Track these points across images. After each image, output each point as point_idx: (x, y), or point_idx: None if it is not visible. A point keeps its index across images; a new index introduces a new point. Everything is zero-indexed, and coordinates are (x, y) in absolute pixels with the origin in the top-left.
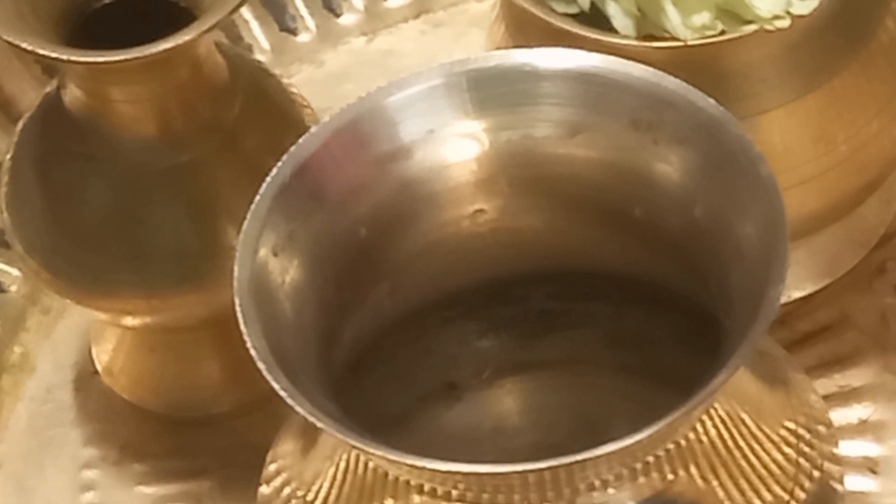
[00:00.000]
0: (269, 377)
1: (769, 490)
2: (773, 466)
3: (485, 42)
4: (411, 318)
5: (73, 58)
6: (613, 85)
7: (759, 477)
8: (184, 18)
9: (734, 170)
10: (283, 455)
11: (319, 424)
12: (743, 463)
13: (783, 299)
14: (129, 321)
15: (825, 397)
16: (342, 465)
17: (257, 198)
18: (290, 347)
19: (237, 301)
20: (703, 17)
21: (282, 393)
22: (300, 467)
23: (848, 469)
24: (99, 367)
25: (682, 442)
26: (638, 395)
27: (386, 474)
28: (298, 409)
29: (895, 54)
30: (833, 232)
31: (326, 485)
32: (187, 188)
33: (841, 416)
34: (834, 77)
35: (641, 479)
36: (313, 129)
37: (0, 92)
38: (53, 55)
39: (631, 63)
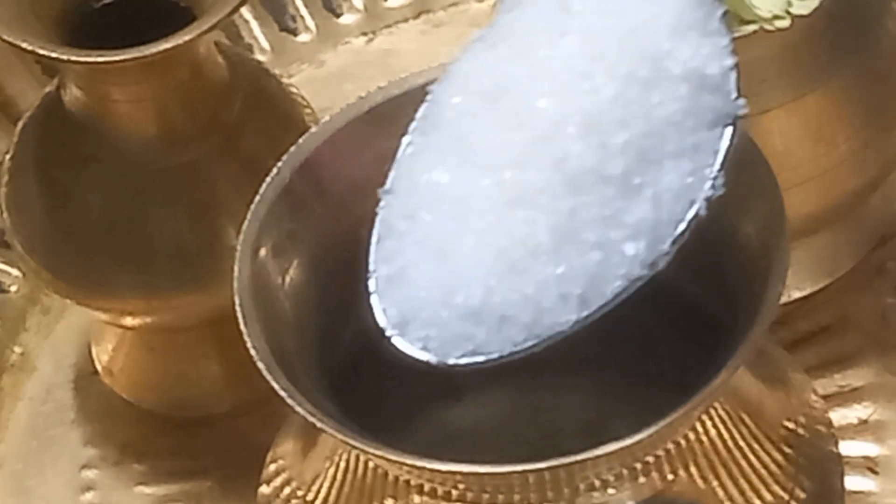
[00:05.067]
0: (269, 377)
1: (769, 490)
2: (773, 466)
3: None
4: None
5: (73, 58)
6: None
7: (759, 477)
8: (184, 18)
9: (734, 170)
10: (283, 455)
11: (319, 424)
12: (743, 463)
13: (783, 299)
14: (129, 321)
15: (825, 397)
16: (342, 465)
17: (257, 198)
18: (290, 347)
19: (237, 301)
20: None
21: (282, 393)
22: (300, 467)
23: (848, 469)
24: (99, 367)
25: (682, 442)
26: (638, 395)
27: (386, 474)
28: (298, 409)
29: (895, 54)
30: (833, 232)
31: (326, 485)
32: (187, 188)
33: (841, 416)
34: (834, 77)
35: (641, 479)
36: (313, 129)
37: (0, 92)
38: (53, 55)
39: None
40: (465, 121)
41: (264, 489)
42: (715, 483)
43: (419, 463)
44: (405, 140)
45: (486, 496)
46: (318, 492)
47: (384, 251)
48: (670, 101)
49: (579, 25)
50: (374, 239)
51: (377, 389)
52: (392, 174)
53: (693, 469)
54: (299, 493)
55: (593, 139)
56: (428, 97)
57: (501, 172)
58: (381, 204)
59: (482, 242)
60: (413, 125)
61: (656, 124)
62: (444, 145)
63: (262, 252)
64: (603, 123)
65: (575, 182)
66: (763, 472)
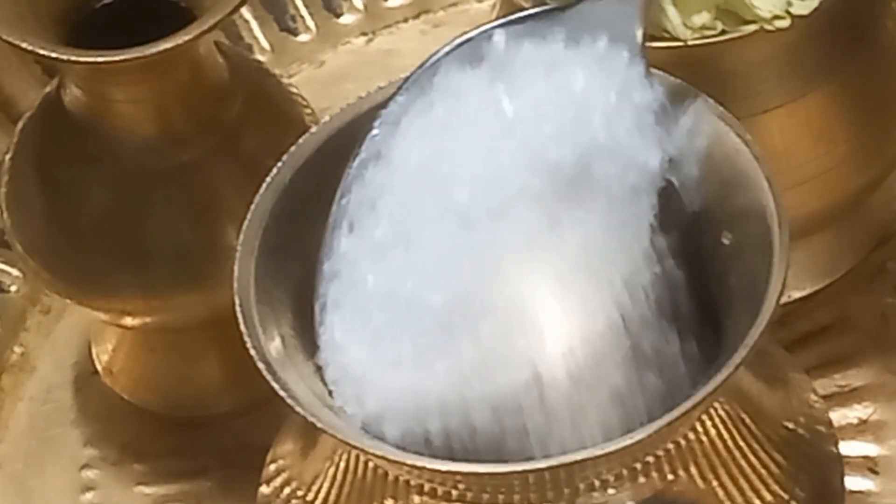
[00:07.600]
0: (269, 377)
1: (769, 490)
2: (773, 466)
3: None
4: None
5: (73, 58)
6: None
7: (759, 477)
8: (184, 18)
9: (734, 170)
10: (283, 455)
11: (319, 424)
12: (743, 463)
13: (783, 299)
14: (129, 321)
15: (825, 397)
16: (342, 465)
17: (257, 198)
18: (291, 348)
19: (237, 301)
20: (703, 17)
21: (282, 393)
22: (300, 467)
23: (848, 469)
24: (99, 367)
25: (682, 442)
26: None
27: (386, 474)
28: (298, 409)
29: (895, 55)
30: (833, 232)
31: (326, 485)
32: (187, 188)
33: (841, 416)
34: (834, 77)
35: (641, 479)
36: (313, 129)
37: (0, 92)
38: (53, 55)
39: None
40: (410, 212)
41: (264, 489)
42: (715, 483)
43: (419, 463)
44: (339, 205)
45: (486, 496)
46: (318, 492)
47: (331, 350)
48: (604, 199)
49: (518, 127)
50: (317, 324)
51: None
52: (332, 252)
53: (693, 469)
54: (299, 493)
55: (531, 255)
56: (362, 146)
57: (452, 290)
58: (322, 286)
59: (427, 354)
60: (344, 189)
61: (593, 224)
62: (387, 237)
63: (262, 252)
64: (545, 244)
65: (513, 307)
66: (763, 472)
